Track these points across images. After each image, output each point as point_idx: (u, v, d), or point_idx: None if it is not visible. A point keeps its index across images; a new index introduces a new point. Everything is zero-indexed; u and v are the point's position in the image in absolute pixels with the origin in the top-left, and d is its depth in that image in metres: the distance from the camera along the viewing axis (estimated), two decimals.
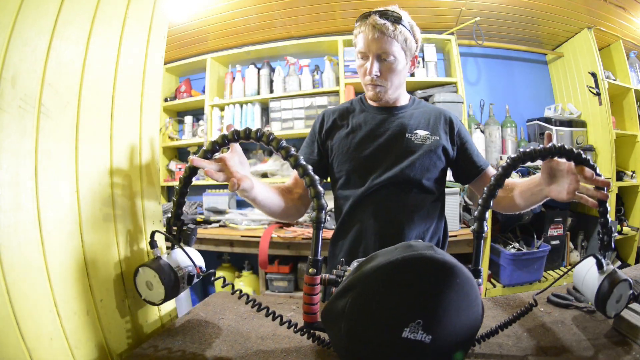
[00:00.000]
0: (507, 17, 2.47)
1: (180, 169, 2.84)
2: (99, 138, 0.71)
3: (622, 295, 0.61)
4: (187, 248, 0.72)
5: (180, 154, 3.09)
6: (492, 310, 0.79)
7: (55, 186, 0.61)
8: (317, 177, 0.60)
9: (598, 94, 2.49)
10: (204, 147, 0.68)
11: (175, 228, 0.73)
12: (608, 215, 0.66)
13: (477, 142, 2.47)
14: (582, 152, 0.64)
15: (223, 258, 2.52)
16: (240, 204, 2.79)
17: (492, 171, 1.03)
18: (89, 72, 0.68)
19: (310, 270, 0.61)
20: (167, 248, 0.74)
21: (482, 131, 2.53)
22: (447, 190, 1.11)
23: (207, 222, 2.44)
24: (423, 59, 2.52)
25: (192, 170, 0.69)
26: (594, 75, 2.49)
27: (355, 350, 0.52)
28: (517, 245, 2.16)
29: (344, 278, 0.59)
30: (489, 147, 2.53)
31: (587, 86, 2.54)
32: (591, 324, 0.68)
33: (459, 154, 1.04)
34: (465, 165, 1.05)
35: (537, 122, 2.62)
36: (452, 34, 2.52)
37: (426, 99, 2.46)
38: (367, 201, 0.99)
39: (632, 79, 2.63)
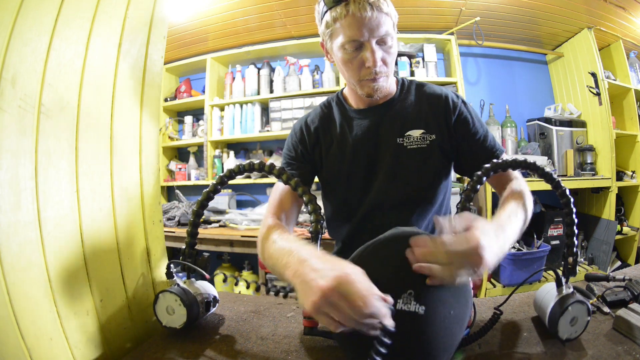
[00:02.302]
0: (507, 17, 2.47)
1: (180, 169, 2.84)
2: (99, 138, 0.71)
3: (577, 318, 0.60)
4: (200, 281, 0.77)
5: (180, 154, 3.09)
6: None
7: (55, 186, 0.61)
8: (320, 206, 0.67)
9: (598, 94, 2.49)
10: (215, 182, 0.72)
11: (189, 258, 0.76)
12: (575, 239, 0.65)
13: None
14: (551, 172, 0.64)
15: (223, 258, 2.52)
16: (240, 204, 2.79)
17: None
18: (89, 72, 0.68)
19: None
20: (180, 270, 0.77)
21: None
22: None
23: (207, 222, 2.44)
24: (423, 59, 2.52)
25: (203, 205, 0.73)
26: (594, 75, 2.49)
27: (355, 330, 0.53)
28: (517, 245, 2.16)
29: None
30: None
31: (587, 86, 2.54)
32: (591, 324, 0.68)
33: (461, 144, 0.86)
34: (471, 157, 0.86)
35: (537, 122, 2.62)
36: (452, 34, 2.52)
37: None
38: (365, 226, 0.91)
39: (632, 79, 2.63)
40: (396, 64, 2.44)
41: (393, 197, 0.87)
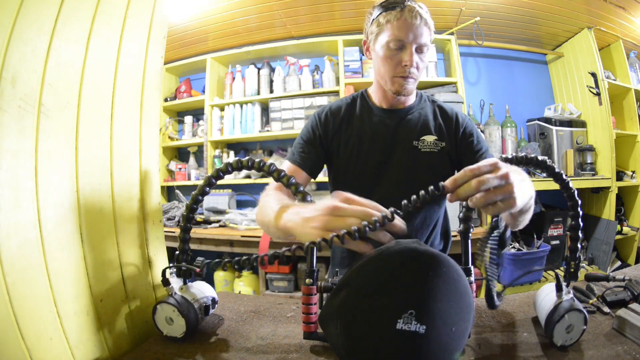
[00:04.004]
0: (507, 17, 2.47)
1: (180, 169, 2.84)
2: (99, 138, 0.71)
3: (573, 325, 0.59)
4: (198, 282, 0.77)
5: (180, 154, 3.09)
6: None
7: (55, 186, 0.61)
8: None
9: (598, 94, 2.49)
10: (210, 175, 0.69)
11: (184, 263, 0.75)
12: (579, 243, 0.64)
13: None
14: (561, 172, 0.62)
15: (223, 258, 2.52)
16: (240, 204, 2.79)
17: None
18: (89, 72, 0.68)
19: (307, 280, 0.63)
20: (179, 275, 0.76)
21: (482, 131, 2.53)
22: None
23: (207, 222, 2.44)
24: None
25: (192, 209, 0.71)
26: (594, 75, 2.49)
27: (353, 347, 0.53)
28: (517, 245, 2.17)
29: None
30: (489, 147, 2.53)
31: (587, 86, 2.54)
32: (591, 324, 0.68)
33: (463, 156, 0.97)
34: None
35: (537, 122, 2.62)
36: (452, 34, 2.52)
37: None
38: None
39: (632, 79, 2.63)
40: None
41: (403, 194, 0.90)
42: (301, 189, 0.68)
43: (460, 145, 0.95)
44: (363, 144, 0.95)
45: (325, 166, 1.03)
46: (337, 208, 0.54)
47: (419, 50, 0.88)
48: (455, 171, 0.94)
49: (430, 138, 0.94)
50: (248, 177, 2.58)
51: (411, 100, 0.99)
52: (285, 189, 0.84)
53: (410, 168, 0.93)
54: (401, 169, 0.93)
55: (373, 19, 0.90)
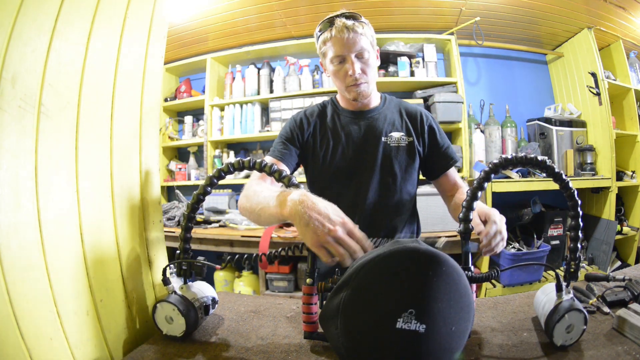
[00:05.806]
0: (507, 17, 2.47)
1: (180, 169, 2.84)
2: (99, 138, 0.71)
3: (573, 325, 0.59)
4: (198, 282, 0.77)
5: (180, 154, 3.09)
6: (492, 310, 0.79)
7: (55, 186, 0.61)
8: None
9: (598, 94, 2.49)
10: (212, 174, 0.69)
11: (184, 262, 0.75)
12: (579, 243, 0.64)
13: (477, 142, 2.47)
14: (561, 172, 0.63)
15: (223, 258, 2.52)
16: None
17: (453, 171, 1.09)
18: (89, 72, 0.68)
19: (308, 280, 0.64)
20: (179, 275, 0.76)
21: (482, 131, 2.53)
22: None
23: (207, 222, 2.44)
24: (423, 59, 2.52)
25: (194, 209, 0.72)
26: (594, 75, 2.49)
27: (353, 346, 0.53)
28: (517, 245, 2.16)
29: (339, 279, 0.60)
30: (489, 147, 2.53)
31: (587, 86, 2.54)
32: (591, 324, 0.68)
33: (428, 150, 1.07)
34: (434, 162, 1.08)
35: (537, 122, 2.62)
36: (452, 34, 2.52)
37: (426, 99, 2.46)
38: (349, 211, 0.97)
39: (632, 79, 2.63)
40: (396, 63, 2.44)
41: (376, 185, 1.02)
42: (302, 188, 0.68)
43: (427, 139, 1.06)
44: (337, 143, 1.04)
45: (301, 166, 1.10)
46: (342, 239, 0.58)
47: (360, 56, 0.96)
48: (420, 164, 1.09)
49: (397, 134, 1.04)
50: (248, 177, 2.58)
51: (375, 102, 1.08)
52: (268, 179, 0.92)
53: (382, 161, 1.02)
54: (373, 163, 1.02)
55: (317, 41, 1.01)
